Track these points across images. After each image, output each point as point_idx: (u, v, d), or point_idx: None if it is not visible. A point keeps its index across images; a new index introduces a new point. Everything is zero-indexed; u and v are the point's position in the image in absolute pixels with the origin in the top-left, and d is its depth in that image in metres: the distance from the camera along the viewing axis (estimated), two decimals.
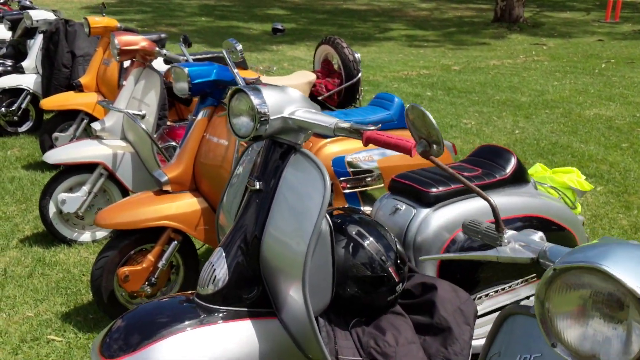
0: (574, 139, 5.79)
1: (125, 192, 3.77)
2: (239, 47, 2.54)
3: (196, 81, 2.78)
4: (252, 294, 1.90)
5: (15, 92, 5.66)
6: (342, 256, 1.96)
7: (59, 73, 5.30)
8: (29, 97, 5.69)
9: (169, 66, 4.72)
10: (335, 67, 4.43)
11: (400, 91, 7.91)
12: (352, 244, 1.98)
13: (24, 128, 5.89)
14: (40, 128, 5.90)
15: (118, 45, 3.57)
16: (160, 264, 2.81)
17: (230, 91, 1.89)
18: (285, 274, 1.84)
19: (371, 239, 1.99)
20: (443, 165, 1.48)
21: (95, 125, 3.68)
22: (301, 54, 11.41)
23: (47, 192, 3.62)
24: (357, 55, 4.19)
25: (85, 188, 3.62)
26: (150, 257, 2.79)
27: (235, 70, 2.59)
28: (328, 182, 1.77)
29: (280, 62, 10.40)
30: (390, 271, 1.96)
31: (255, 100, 1.81)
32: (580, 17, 17.28)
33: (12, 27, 6.08)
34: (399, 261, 2.00)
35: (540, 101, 7.34)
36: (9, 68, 6.02)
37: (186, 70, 2.77)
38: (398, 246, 2.04)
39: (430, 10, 18.66)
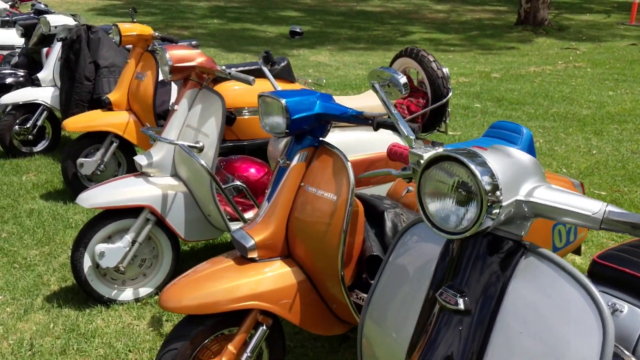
0: None
1: (174, 238, 3.09)
2: (403, 79, 1.81)
3: (296, 116, 2.08)
4: None
5: (30, 108, 4.95)
6: None
7: (81, 86, 4.61)
8: (45, 112, 4.98)
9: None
10: (415, 83, 3.74)
11: None
12: None
13: (40, 147, 5.15)
14: (57, 147, 5.23)
15: (170, 62, 2.88)
16: (244, 357, 2.12)
17: (425, 158, 1.21)
18: None
19: None
20: None
21: (141, 160, 2.99)
22: (324, 59, 10.73)
23: (81, 242, 2.91)
24: (446, 70, 3.48)
25: (129, 237, 2.93)
26: (232, 348, 2.10)
27: (397, 112, 1.82)
28: (607, 314, 1.09)
29: (304, 68, 9.72)
30: None
31: (480, 174, 1.13)
32: (602, 20, 16.68)
33: (26, 34, 5.38)
34: None
35: (604, 114, 6.66)
36: (21, 79, 5.32)
37: (283, 101, 2.07)
38: None
39: (447, 12, 18.00)
